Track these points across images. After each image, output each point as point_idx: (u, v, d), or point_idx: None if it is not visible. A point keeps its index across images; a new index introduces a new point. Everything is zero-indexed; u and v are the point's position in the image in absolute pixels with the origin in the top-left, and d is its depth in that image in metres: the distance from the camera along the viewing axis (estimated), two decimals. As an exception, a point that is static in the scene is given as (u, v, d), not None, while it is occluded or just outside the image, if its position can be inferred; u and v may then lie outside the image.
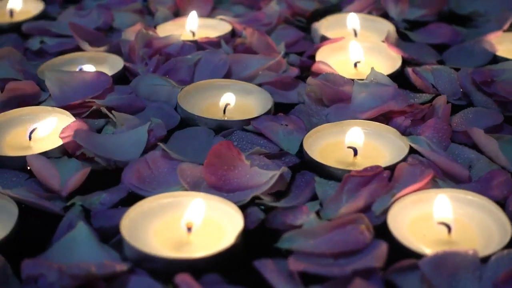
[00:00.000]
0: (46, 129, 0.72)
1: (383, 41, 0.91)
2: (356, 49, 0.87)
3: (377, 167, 0.63)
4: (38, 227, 0.61)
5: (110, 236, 0.58)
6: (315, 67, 0.84)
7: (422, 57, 0.89)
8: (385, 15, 1.02)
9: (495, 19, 0.98)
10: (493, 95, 0.78)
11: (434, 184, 0.64)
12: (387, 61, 0.88)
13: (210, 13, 1.03)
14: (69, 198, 0.64)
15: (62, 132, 0.70)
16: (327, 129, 0.73)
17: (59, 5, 1.08)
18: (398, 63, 0.86)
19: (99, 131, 0.75)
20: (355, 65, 0.87)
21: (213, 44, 0.91)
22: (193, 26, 0.95)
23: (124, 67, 0.86)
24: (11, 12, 1.01)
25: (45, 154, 0.68)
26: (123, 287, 0.53)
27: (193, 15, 0.96)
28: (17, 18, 1.01)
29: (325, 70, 0.82)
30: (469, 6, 1.05)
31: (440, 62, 0.89)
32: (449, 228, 0.59)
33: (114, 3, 1.06)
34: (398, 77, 0.84)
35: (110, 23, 0.99)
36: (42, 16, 1.03)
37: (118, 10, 1.03)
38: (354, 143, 0.69)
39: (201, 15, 0.99)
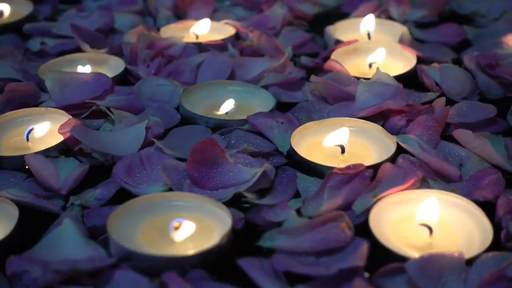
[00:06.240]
0: (42, 130, 0.73)
1: (398, 42, 0.91)
2: (377, 50, 0.88)
3: (360, 165, 0.62)
4: (38, 227, 0.61)
5: (103, 234, 0.58)
6: (327, 65, 0.84)
7: (437, 56, 0.89)
8: (392, 18, 1.03)
9: (504, 19, 0.98)
10: (497, 78, 0.80)
11: (424, 183, 0.63)
12: (402, 62, 0.88)
13: (210, 15, 1.03)
14: (68, 196, 0.64)
15: (61, 127, 0.70)
16: (312, 127, 0.72)
17: (51, 6, 1.08)
18: (413, 63, 0.86)
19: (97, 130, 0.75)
20: (370, 66, 0.86)
21: (218, 47, 0.92)
22: (201, 31, 0.96)
23: (126, 69, 0.86)
24: (1, 14, 1.02)
25: (43, 154, 0.69)
26: (108, 282, 0.53)
27: (205, 22, 0.97)
28: (9, 19, 1.02)
29: (337, 69, 0.82)
30: (471, 5, 1.04)
31: (456, 61, 0.89)
32: (430, 229, 0.58)
33: (114, 4, 1.07)
34: (412, 77, 0.84)
35: (111, 24, 1.00)
36: (32, 16, 1.04)
37: (119, 11, 1.03)
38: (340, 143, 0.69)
39: (201, 17, 0.99)
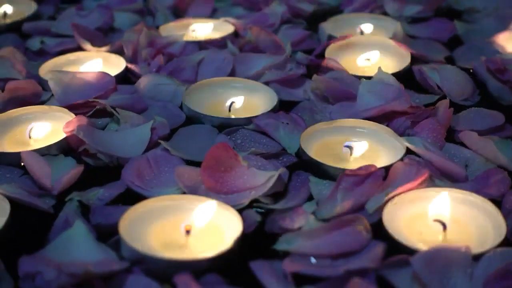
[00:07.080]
0: (45, 128, 0.73)
1: (391, 38, 0.91)
2: (366, 46, 0.88)
3: (371, 166, 0.63)
4: (31, 224, 0.62)
5: (107, 233, 0.58)
6: (324, 64, 0.84)
7: (430, 54, 0.89)
8: (387, 14, 1.03)
9: (497, 16, 0.99)
10: (507, 82, 0.80)
11: (431, 183, 0.64)
12: (396, 58, 0.88)
13: (210, 14, 1.04)
14: (65, 195, 0.64)
15: (65, 126, 0.70)
16: (323, 127, 0.72)
17: (54, 6, 1.08)
18: (407, 60, 0.86)
19: (103, 129, 0.75)
20: (364, 62, 0.87)
21: (217, 44, 0.92)
22: (199, 33, 0.96)
23: (126, 68, 0.86)
24: (5, 14, 1.02)
25: (42, 151, 0.69)
26: (120, 286, 0.53)
27: (203, 26, 0.97)
28: (12, 19, 1.02)
29: (334, 67, 0.82)
30: (467, 2, 1.05)
31: (448, 59, 0.90)
32: (444, 225, 0.58)
33: (114, 3, 1.06)
34: (407, 75, 0.84)
35: (111, 23, 0.99)
36: (36, 16, 1.03)
37: (119, 10, 1.03)
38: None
39: (201, 16, 0.99)
